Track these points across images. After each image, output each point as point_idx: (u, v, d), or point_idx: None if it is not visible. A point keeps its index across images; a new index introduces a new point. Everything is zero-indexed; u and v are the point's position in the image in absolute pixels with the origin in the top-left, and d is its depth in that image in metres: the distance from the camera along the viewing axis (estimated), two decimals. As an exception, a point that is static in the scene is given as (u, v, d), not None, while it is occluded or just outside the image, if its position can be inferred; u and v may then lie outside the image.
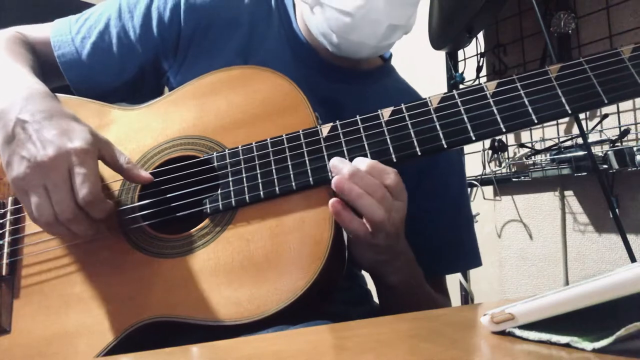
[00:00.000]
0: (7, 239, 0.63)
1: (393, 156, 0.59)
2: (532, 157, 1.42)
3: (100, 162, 0.58)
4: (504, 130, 0.57)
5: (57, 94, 0.69)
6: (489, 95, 0.59)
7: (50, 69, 0.74)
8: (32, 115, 0.56)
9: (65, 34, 0.76)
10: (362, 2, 0.66)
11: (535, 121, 0.56)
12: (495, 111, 0.58)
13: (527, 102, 0.57)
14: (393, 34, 0.71)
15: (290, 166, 0.60)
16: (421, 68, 1.71)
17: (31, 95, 0.59)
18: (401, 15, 0.69)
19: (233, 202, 0.60)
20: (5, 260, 0.62)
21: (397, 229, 0.58)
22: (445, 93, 0.60)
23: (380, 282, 0.68)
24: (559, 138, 1.35)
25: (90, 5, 0.82)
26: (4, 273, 0.62)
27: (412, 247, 0.68)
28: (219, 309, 0.55)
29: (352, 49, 0.72)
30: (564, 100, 0.56)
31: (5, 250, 0.63)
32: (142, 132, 0.66)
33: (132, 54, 0.75)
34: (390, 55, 0.88)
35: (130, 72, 0.76)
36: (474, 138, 0.58)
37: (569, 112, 0.56)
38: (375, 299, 0.85)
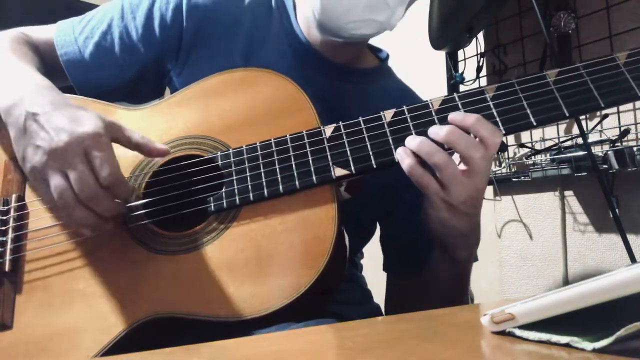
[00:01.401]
0: (10, 235, 0.64)
1: (395, 157, 0.59)
2: (532, 157, 1.42)
3: None
4: (504, 132, 0.58)
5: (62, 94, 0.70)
6: (489, 99, 0.60)
7: (53, 70, 0.75)
8: (42, 107, 0.57)
9: (68, 34, 0.77)
10: None
11: (534, 124, 0.58)
12: (495, 114, 0.59)
13: (526, 105, 0.58)
14: (377, 8, 0.69)
15: (294, 165, 0.61)
16: (421, 68, 1.71)
17: (38, 89, 0.60)
18: None
19: (237, 200, 0.60)
20: (8, 257, 0.63)
21: (477, 192, 0.59)
22: (446, 96, 0.61)
23: (443, 256, 0.68)
24: (559, 138, 1.35)
25: (93, 6, 0.83)
26: (6, 269, 0.62)
27: (414, 238, 0.69)
28: (222, 305, 0.55)
29: (336, 15, 0.70)
30: (562, 104, 0.58)
31: (9, 246, 0.63)
32: (147, 131, 0.67)
33: (134, 53, 0.76)
34: (387, 56, 0.88)
35: (131, 71, 0.77)
36: None
37: (567, 115, 0.58)
38: (376, 299, 0.86)
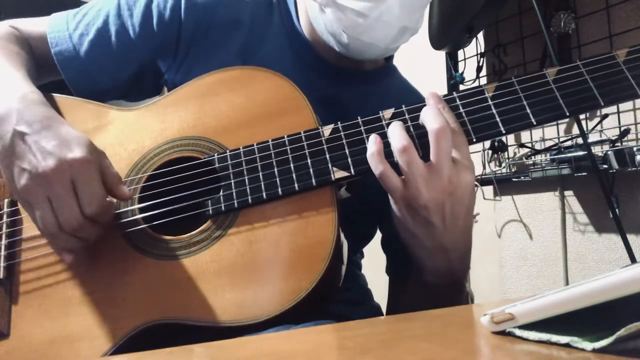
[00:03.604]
0: (3, 241, 0.62)
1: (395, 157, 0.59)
2: (532, 157, 1.42)
3: None
4: (503, 132, 0.58)
5: (54, 95, 0.68)
6: (489, 98, 0.59)
7: (45, 65, 0.73)
8: (30, 126, 0.56)
9: (62, 30, 0.74)
10: (377, 3, 0.65)
11: (535, 123, 0.57)
12: (495, 114, 0.58)
13: (526, 105, 0.58)
14: (402, 36, 0.70)
15: (292, 167, 0.60)
16: (421, 68, 1.71)
17: (27, 105, 0.58)
18: (412, 17, 0.68)
19: (235, 203, 0.59)
20: (2, 263, 0.61)
21: (443, 196, 0.55)
22: (445, 95, 0.61)
23: (413, 263, 0.64)
24: (559, 138, 1.35)
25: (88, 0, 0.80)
26: (1, 276, 0.61)
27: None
28: (223, 311, 0.54)
29: (360, 50, 0.71)
30: (562, 103, 0.57)
31: (2, 253, 0.62)
32: (141, 133, 0.66)
33: (131, 52, 0.74)
34: (392, 55, 0.87)
35: (129, 70, 0.75)
36: (474, 140, 0.59)
37: (567, 114, 0.57)
38: (376, 299, 0.85)
